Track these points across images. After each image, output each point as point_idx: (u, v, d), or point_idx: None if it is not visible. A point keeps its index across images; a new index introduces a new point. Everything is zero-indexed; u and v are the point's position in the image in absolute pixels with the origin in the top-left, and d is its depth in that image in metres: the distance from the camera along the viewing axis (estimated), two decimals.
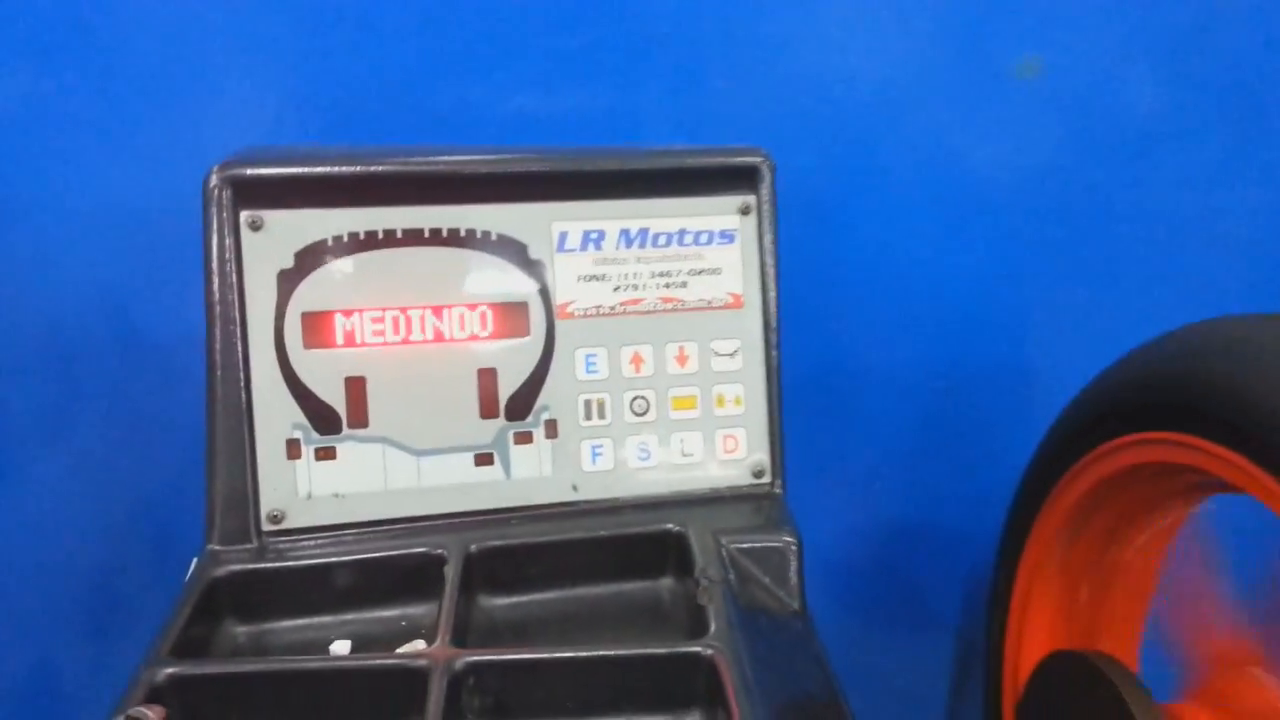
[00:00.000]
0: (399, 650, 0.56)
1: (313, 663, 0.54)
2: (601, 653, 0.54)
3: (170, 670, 0.52)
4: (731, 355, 0.70)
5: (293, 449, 0.64)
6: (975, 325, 0.91)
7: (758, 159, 0.69)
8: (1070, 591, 0.77)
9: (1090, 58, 0.84)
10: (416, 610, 0.63)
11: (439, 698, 0.51)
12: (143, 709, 0.43)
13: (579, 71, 0.81)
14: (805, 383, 0.91)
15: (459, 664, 0.53)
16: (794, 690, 0.55)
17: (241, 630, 0.61)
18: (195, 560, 0.64)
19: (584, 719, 0.54)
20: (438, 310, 0.66)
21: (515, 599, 0.64)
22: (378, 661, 0.53)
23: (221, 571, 0.60)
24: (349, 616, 0.62)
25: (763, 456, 0.70)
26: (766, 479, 0.70)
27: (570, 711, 0.54)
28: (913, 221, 0.89)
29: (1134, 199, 0.91)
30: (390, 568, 0.62)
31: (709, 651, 0.54)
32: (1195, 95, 0.87)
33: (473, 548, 0.63)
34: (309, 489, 0.64)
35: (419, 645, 0.57)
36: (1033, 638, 0.78)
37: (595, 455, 0.68)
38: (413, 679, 0.52)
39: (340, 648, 0.58)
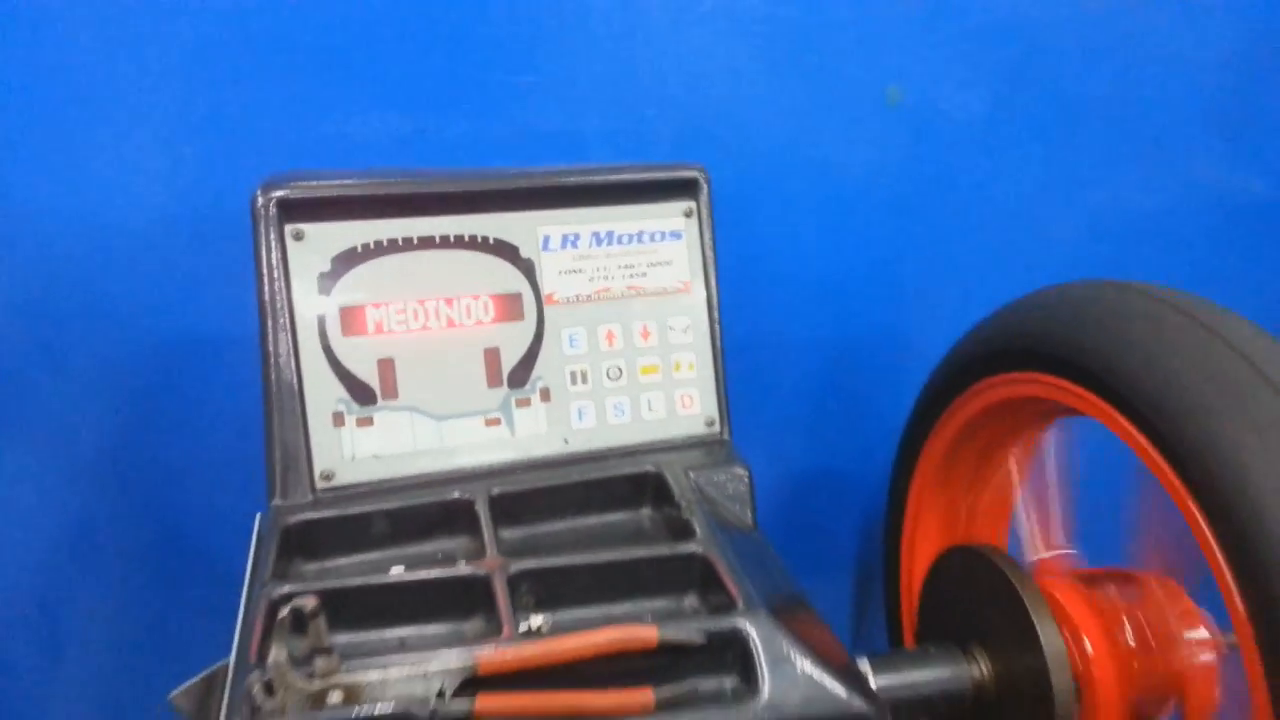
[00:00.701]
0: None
1: (401, 578, 0.67)
2: (617, 556, 0.70)
3: (284, 589, 0.65)
4: (684, 331, 0.87)
5: (337, 419, 0.78)
6: (861, 302, 1.11)
7: (697, 172, 0.86)
8: (952, 503, 0.97)
9: (939, 84, 1.05)
10: (449, 544, 0.77)
11: (505, 595, 0.65)
12: (303, 599, 0.56)
13: (539, 104, 0.97)
14: (731, 353, 1.10)
15: (512, 569, 0.68)
16: (765, 579, 0.72)
17: (310, 567, 0.74)
18: (259, 515, 0.77)
19: (606, 604, 0.70)
20: (449, 301, 0.81)
21: (528, 530, 0.79)
22: (451, 573, 0.68)
23: (289, 521, 0.73)
24: (393, 552, 0.76)
25: (713, 410, 0.87)
26: (716, 428, 0.87)
27: (595, 600, 0.69)
28: (808, 220, 1.08)
29: (976, 196, 1.12)
30: (428, 511, 0.76)
31: (700, 549, 0.71)
32: (1022, 112, 1.09)
33: (494, 491, 0.77)
34: (352, 451, 0.78)
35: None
36: (923, 543, 0.97)
37: (581, 414, 0.84)
38: (477, 584, 0.67)
39: (397, 573, 0.72)
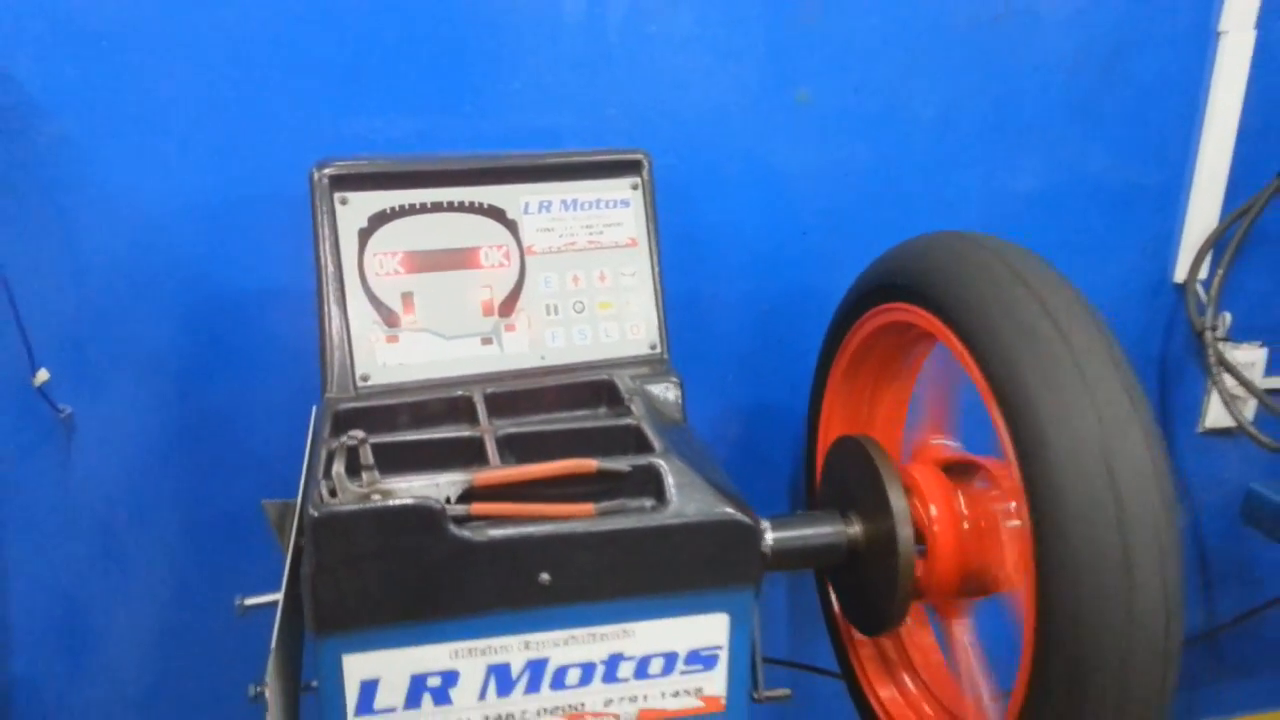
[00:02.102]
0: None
1: (421, 435, 0.95)
2: (574, 425, 0.98)
3: (341, 441, 0.92)
4: (632, 275, 1.14)
5: (373, 336, 1.05)
6: (785, 265, 1.38)
7: (641, 155, 1.14)
8: (856, 408, 1.24)
9: (839, 88, 1.33)
10: (453, 431, 1.04)
11: (493, 448, 0.93)
12: (354, 434, 0.83)
13: (524, 106, 1.25)
14: (679, 307, 1.37)
15: (499, 433, 0.95)
16: (684, 445, 0.99)
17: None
18: (315, 407, 1.04)
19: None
20: (455, 251, 1.08)
21: (512, 419, 1.06)
22: (456, 434, 0.95)
23: (339, 408, 1.01)
24: (419, 434, 1.03)
25: (655, 337, 1.14)
26: (658, 350, 1.14)
27: (559, 457, 0.96)
28: (740, 199, 1.35)
29: (873, 177, 1.38)
30: (439, 404, 1.04)
31: (635, 422, 0.98)
32: (906, 109, 1.37)
33: (488, 390, 1.05)
34: (384, 360, 1.05)
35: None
36: (833, 437, 1.24)
37: (554, 337, 1.11)
38: (475, 443, 0.95)
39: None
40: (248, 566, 1.22)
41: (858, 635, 1.27)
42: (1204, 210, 1.49)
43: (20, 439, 1.26)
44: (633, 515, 0.88)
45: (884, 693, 1.22)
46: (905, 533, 1.04)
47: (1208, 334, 1.47)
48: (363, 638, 0.85)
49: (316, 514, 0.81)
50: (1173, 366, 1.59)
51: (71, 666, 1.38)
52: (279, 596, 0.89)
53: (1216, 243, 1.50)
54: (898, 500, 1.05)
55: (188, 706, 1.43)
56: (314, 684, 0.91)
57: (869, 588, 1.09)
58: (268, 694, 0.85)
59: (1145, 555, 0.83)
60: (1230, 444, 1.65)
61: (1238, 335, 1.57)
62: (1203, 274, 1.51)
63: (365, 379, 1.05)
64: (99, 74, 1.16)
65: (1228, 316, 1.53)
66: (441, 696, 0.88)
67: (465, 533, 0.83)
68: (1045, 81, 1.39)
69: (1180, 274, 1.52)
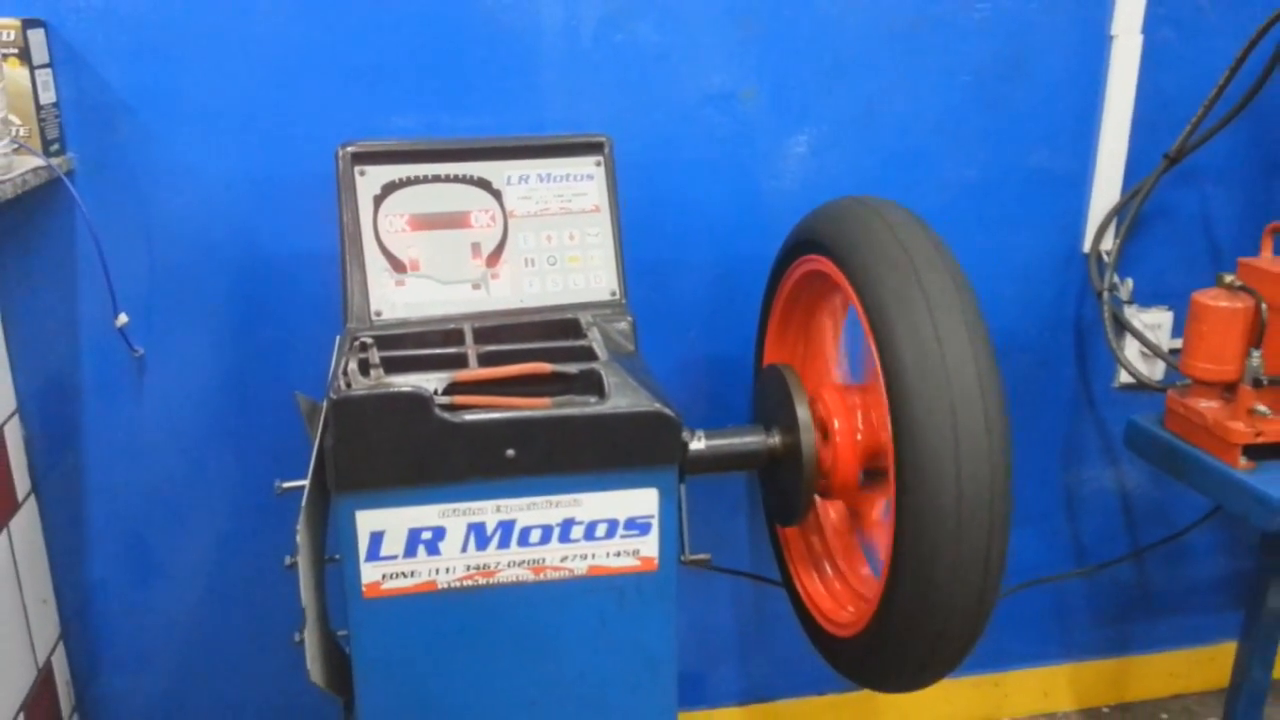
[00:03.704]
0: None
1: (419, 352, 1.21)
2: (540, 346, 1.23)
3: (354, 345, 1.19)
4: (596, 235, 1.40)
5: (385, 280, 1.32)
6: (737, 234, 1.64)
7: (604, 138, 1.40)
8: (791, 345, 1.49)
9: (779, 85, 1.59)
10: (444, 349, 1.30)
11: (471, 337, 1.19)
12: (365, 338, 1.09)
13: (514, 103, 1.52)
14: (644, 270, 1.63)
15: (481, 351, 1.21)
16: (627, 362, 1.24)
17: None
18: (338, 336, 1.31)
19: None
20: (451, 215, 1.35)
21: (492, 344, 1.32)
22: (445, 351, 1.21)
23: (357, 335, 1.27)
24: (426, 350, 1.28)
25: (615, 286, 1.39)
26: (618, 297, 1.40)
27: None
28: (697, 179, 1.61)
29: (811, 161, 1.63)
30: (437, 333, 1.30)
31: (588, 344, 1.24)
32: (835, 104, 1.61)
33: (475, 324, 1.31)
34: (393, 300, 1.32)
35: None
36: None
37: (531, 284, 1.37)
38: (461, 358, 1.21)
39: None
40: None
41: (791, 540, 1.51)
42: (1106, 190, 1.72)
43: (101, 375, 1.54)
44: (579, 406, 1.13)
45: (808, 581, 1.46)
46: (808, 438, 1.29)
47: (1105, 294, 1.70)
48: (371, 497, 1.11)
49: (335, 397, 1.07)
50: (1088, 328, 1.82)
51: (137, 573, 1.65)
52: (307, 481, 1.16)
53: (1116, 218, 1.72)
54: (803, 412, 1.30)
55: (240, 610, 1.69)
56: (336, 557, 1.17)
57: (785, 485, 1.34)
58: (299, 563, 1.12)
59: (969, 417, 1.08)
60: (1147, 399, 1.87)
61: (1145, 300, 1.79)
62: (1106, 245, 1.74)
63: (379, 314, 1.31)
64: (171, 77, 1.44)
65: (1130, 282, 1.75)
66: (432, 548, 1.14)
67: (448, 415, 1.09)
68: (956, 81, 1.63)
69: (1086, 246, 1.75)
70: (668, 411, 1.14)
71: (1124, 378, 1.84)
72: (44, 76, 1.37)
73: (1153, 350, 1.75)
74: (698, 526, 1.75)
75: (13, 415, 1.50)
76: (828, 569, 1.46)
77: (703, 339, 1.70)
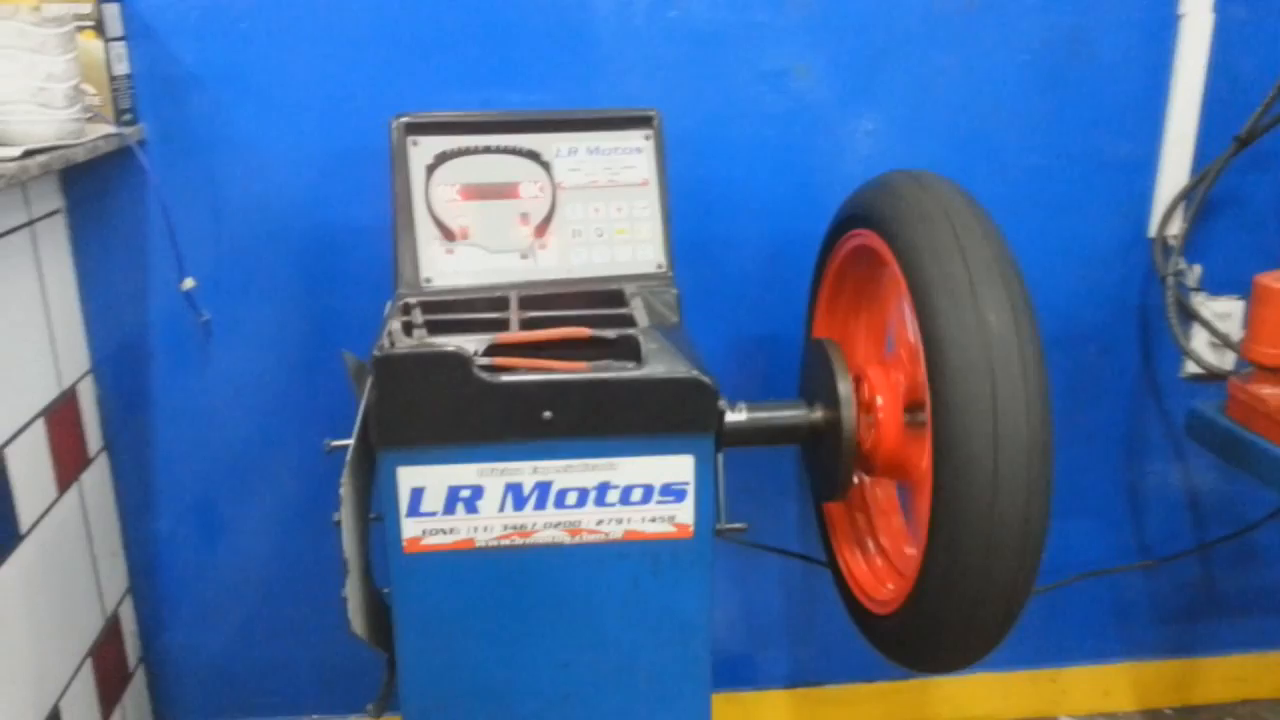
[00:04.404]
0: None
1: (466, 315, 1.24)
2: (583, 313, 1.25)
3: (398, 306, 1.22)
4: (644, 208, 1.41)
5: (435, 248, 1.35)
6: (787, 213, 1.63)
7: (653, 112, 1.41)
8: (840, 322, 1.49)
9: (831, 64, 1.58)
10: (488, 313, 1.32)
11: (516, 304, 1.21)
12: (411, 300, 1.12)
13: (563, 81, 1.54)
14: (693, 248, 1.63)
15: (524, 317, 1.23)
16: (667, 332, 1.25)
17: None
18: (389, 301, 1.35)
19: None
20: (501, 187, 1.37)
21: (535, 310, 1.34)
22: (491, 316, 1.24)
23: (409, 300, 1.30)
24: (472, 314, 1.31)
25: (662, 258, 1.41)
26: (664, 269, 1.41)
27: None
28: (750, 157, 1.61)
29: (864, 140, 1.62)
30: (484, 300, 1.32)
31: (629, 311, 1.25)
32: (887, 83, 1.60)
33: (522, 292, 1.33)
34: (443, 268, 1.35)
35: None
36: None
37: (578, 255, 1.39)
38: (504, 321, 1.23)
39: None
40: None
41: (837, 519, 1.51)
42: (1174, 173, 1.67)
43: (170, 339, 1.61)
44: (615, 370, 1.15)
45: (851, 559, 1.45)
46: (848, 414, 1.28)
47: (1169, 279, 1.65)
48: (412, 454, 1.14)
49: (378, 355, 1.10)
50: (1153, 316, 1.77)
51: (203, 531, 1.72)
52: (353, 438, 1.19)
53: (1184, 201, 1.68)
54: (844, 388, 1.29)
55: (301, 570, 1.75)
56: (378, 516, 1.21)
57: (826, 461, 1.34)
58: (342, 516, 1.15)
59: (1008, 390, 1.06)
60: (1215, 390, 1.81)
61: (1214, 288, 1.74)
62: (1173, 230, 1.69)
63: (428, 281, 1.34)
64: (238, 52, 1.50)
65: (1198, 268, 1.70)
66: (471, 507, 1.16)
67: (487, 376, 1.11)
68: (1016, 61, 1.60)
69: (1152, 230, 1.70)
70: (704, 378, 1.14)
71: (1192, 367, 1.78)
72: (118, 49, 1.43)
73: (1221, 340, 1.70)
74: (746, 505, 1.76)
75: (86, 374, 1.57)
76: (871, 548, 1.45)
77: (753, 317, 1.70)
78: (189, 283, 1.54)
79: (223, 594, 1.75)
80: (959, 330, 1.10)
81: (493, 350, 1.16)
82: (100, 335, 1.59)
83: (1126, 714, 1.99)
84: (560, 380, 1.13)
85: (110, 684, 1.60)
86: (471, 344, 1.16)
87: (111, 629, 1.62)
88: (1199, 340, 1.73)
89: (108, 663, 1.59)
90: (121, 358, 1.61)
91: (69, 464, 1.50)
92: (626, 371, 1.14)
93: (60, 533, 1.46)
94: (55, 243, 1.49)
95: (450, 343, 1.14)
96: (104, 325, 1.59)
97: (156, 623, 1.74)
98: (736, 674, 1.90)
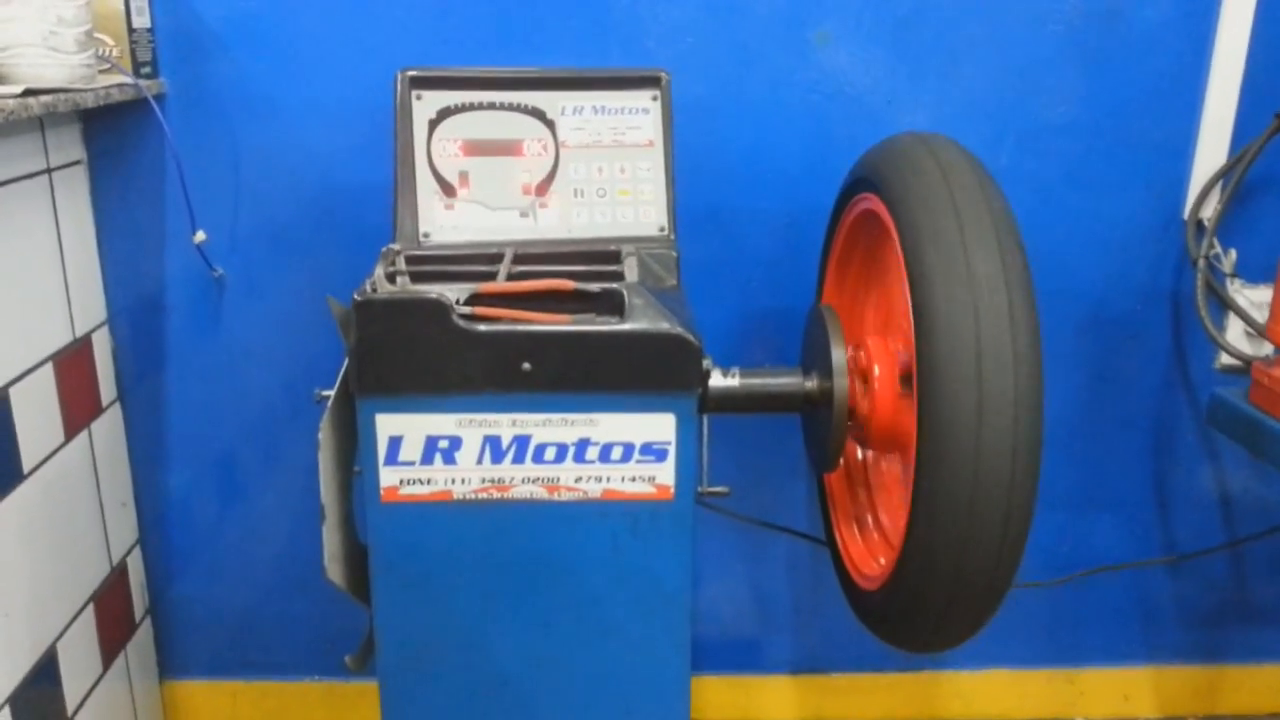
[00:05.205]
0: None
1: (457, 267, 1.23)
2: (575, 270, 1.23)
3: (381, 252, 1.21)
4: (648, 170, 1.39)
5: (434, 203, 1.34)
6: (804, 183, 1.60)
7: (661, 72, 1.39)
8: (849, 291, 1.45)
9: (852, 31, 1.54)
10: (476, 266, 1.31)
11: (508, 261, 1.20)
12: (390, 246, 1.12)
13: (580, 46, 1.53)
14: (703, 217, 1.61)
15: (515, 252, 1.22)
16: (665, 295, 1.23)
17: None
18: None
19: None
20: (504, 144, 1.36)
21: (527, 266, 1.33)
22: (483, 269, 1.23)
23: (393, 247, 1.29)
24: (463, 266, 1.30)
25: (665, 222, 1.38)
26: (666, 232, 1.38)
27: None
28: (765, 122, 1.58)
29: (883, 109, 1.59)
30: (479, 255, 1.31)
31: (620, 269, 1.23)
32: (913, 51, 1.56)
33: (518, 250, 1.32)
34: (441, 223, 1.34)
35: None
36: None
37: (579, 215, 1.37)
38: (493, 273, 1.22)
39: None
40: None
41: (838, 494, 1.47)
42: (1211, 152, 1.60)
43: (186, 293, 1.63)
44: (596, 323, 1.13)
45: (848, 535, 1.41)
46: (841, 383, 1.25)
47: (1200, 262, 1.58)
48: (390, 402, 1.13)
49: (359, 299, 1.10)
50: (1186, 302, 1.70)
51: (215, 487, 1.74)
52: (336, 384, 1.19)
53: (1221, 182, 1.60)
54: (839, 355, 1.26)
55: (310, 529, 1.73)
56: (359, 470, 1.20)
57: (821, 430, 1.30)
58: (320, 460, 1.15)
59: (995, 356, 1.02)
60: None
61: (1251, 276, 1.66)
62: (1207, 212, 1.62)
63: (426, 235, 1.34)
64: (260, 10, 1.51)
65: (1233, 253, 1.63)
66: (449, 457, 1.15)
67: (466, 324, 1.10)
68: (1047, 31, 1.55)
69: (1187, 212, 1.63)
70: (687, 335, 1.12)
71: (1226, 359, 1.71)
72: (139, 2, 1.45)
73: (1257, 330, 1.62)
74: (751, 487, 1.74)
75: (102, 325, 1.60)
76: (871, 524, 1.41)
77: (767, 289, 1.67)
78: (200, 235, 1.55)
79: (232, 551, 1.77)
80: (946, 288, 1.06)
81: (475, 300, 1.15)
82: (117, 288, 1.62)
83: None
84: (540, 331, 1.11)
85: (113, 633, 1.62)
86: (454, 293, 1.15)
87: (118, 578, 1.64)
88: (1234, 330, 1.66)
89: (111, 611, 1.62)
90: (138, 311, 1.63)
91: (79, 411, 1.52)
92: (608, 324, 1.12)
93: (66, 477, 1.48)
94: (75, 192, 1.52)
95: (432, 290, 1.13)
96: (121, 279, 1.62)
97: (165, 576, 1.76)
98: (740, 658, 1.86)
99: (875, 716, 1.89)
